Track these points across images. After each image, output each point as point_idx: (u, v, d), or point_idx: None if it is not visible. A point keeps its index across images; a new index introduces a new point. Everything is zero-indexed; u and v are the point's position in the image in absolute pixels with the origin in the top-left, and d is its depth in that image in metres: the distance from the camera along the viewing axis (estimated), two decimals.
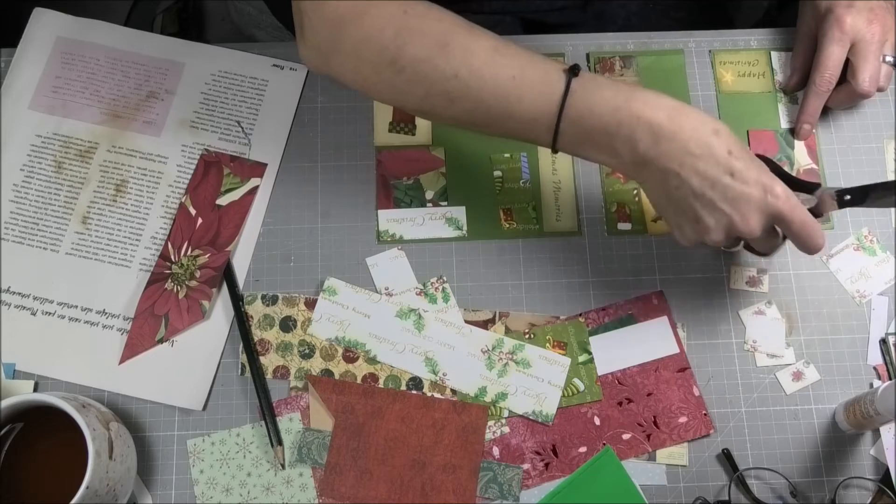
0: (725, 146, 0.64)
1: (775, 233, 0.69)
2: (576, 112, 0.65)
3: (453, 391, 0.75)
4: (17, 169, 0.81)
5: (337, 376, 0.75)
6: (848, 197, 0.69)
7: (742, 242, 0.72)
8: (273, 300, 0.77)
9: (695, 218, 0.66)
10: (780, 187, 0.65)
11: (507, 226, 0.80)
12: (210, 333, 0.76)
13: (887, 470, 0.72)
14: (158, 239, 0.79)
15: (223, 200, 0.80)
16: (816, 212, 0.70)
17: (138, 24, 1.04)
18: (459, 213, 0.80)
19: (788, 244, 0.69)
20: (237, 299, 0.76)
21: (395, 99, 0.70)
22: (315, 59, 0.71)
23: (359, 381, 0.75)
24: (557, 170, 0.82)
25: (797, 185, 0.71)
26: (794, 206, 0.65)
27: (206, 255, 0.78)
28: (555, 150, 0.68)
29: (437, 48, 0.66)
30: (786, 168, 0.82)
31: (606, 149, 0.66)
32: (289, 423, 0.74)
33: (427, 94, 0.67)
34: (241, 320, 0.76)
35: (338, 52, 0.68)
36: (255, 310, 0.77)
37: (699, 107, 0.84)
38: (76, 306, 0.77)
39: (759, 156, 0.69)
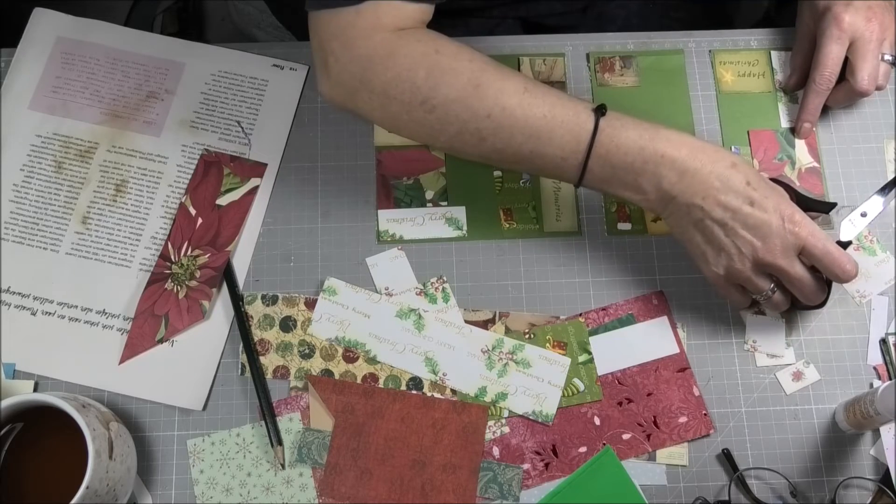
0: (744, 178, 0.68)
1: (820, 279, 0.71)
2: (605, 150, 0.68)
3: (453, 391, 0.75)
4: (17, 169, 0.81)
5: (337, 376, 0.75)
6: (863, 214, 0.73)
7: (787, 298, 0.73)
8: (273, 300, 0.77)
9: (719, 246, 0.69)
10: (799, 215, 0.68)
11: (507, 226, 0.80)
12: (210, 333, 0.76)
13: (887, 470, 0.72)
14: (158, 239, 0.79)
15: (223, 200, 0.80)
16: (842, 243, 0.72)
17: (138, 24, 1.04)
18: (459, 213, 0.80)
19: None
20: (237, 299, 0.76)
21: (424, 137, 0.72)
22: (340, 96, 0.71)
23: (359, 381, 0.75)
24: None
25: (814, 206, 0.74)
26: (813, 232, 0.68)
27: (206, 255, 0.78)
28: (578, 186, 0.71)
29: (470, 88, 0.67)
30: (787, 169, 0.82)
31: (632, 186, 0.69)
32: (289, 423, 0.74)
33: (458, 133, 0.69)
34: (241, 320, 0.76)
35: (367, 90, 0.69)
36: (255, 310, 0.77)
37: (699, 107, 0.84)
38: (76, 306, 0.77)
39: (776, 180, 0.72)
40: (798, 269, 0.69)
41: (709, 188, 0.67)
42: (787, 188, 0.73)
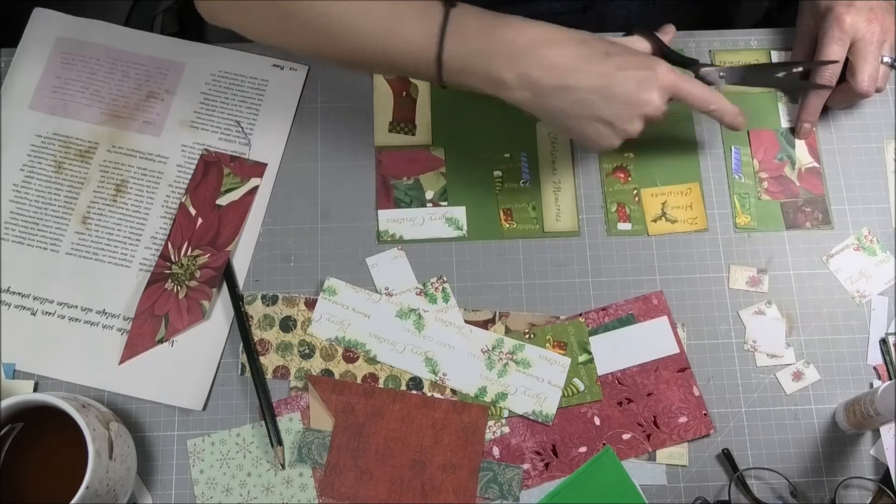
0: (601, 49, 0.67)
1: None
2: (455, 38, 0.66)
3: (453, 391, 0.75)
4: (17, 169, 0.81)
5: (337, 376, 0.75)
6: (722, 74, 0.76)
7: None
8: (273, 300, 0.77)
9: (611, 120, 0.68)
10: (663, 65, 0.69)
11: (507, 226, 0.80)
12: (210, 333, 0.76)
13: (887, 470, 0.72)
14: (158, 239, 0.79)
15: (223, 200, 0.80)
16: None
17: (138, 24, 1.03)
18: (459, 213, 0.80)
19: None
20: (237, 299, 0.76)
21: (283, 42, 0.72)
22: (206, 11, 0.73)
23: (359, 381, 0.75)
24: (557, 170, 0.82)
25: (677, 61, 0.75)
26: (678, 76, 0.70)
27: (206, 255, 0.78)
28: (442, 84, 0.69)
29: None
30: (787, 169, 0.82)
31: (492, 77, 0.67)
32: (289, 423, 0.74)
33: (312, 36, 0.69)
34: (241, 320, 0.76)
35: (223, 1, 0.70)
36: (255, 310, 0.77)
37: None
38: (76, 306, 0.77)
39: (638, 33, 0.75)
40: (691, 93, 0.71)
41: (572, 67, 0.66)
42: (648, 35, 0.75)
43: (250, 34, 0.72)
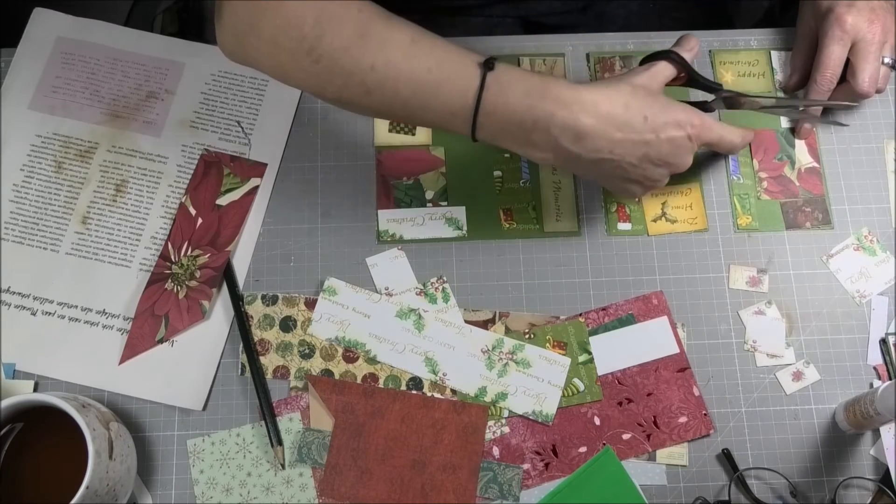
0: (640, 115, 0.67)
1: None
2: (492, 107, 0.66)
3: (453, 391, 0.75)
4: (17, 169, 0.81)
5: (337, 376, 0.75)
6: (744, 101, 0.77)
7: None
8: (273, 300, 0.77)
9: (640, 180, 0.70)
10: (696, 118, 0.69)
11: (507, 226, 0.80)
12: (210, 333, 0.76)
13: (887, 470, 0.72)
14: (158, 239, 0.79)
15: (223, 200, 0.80)
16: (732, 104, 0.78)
17: (138, 24, 1.04)
18: (459, 213, 0.80)
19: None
20: (237, 299, 0.76)
21: (313, 88, 0.69)
22: (231, 45, 0.70)
23: (359, 381, 0.75)
24: (557, 170, 0.82)
25: (702, 84, 0.76)
26: (709, 127, 0.70)
27: (206, 255, 0.78)
28: (476, 140, 0.69)
29: (355, 38, 0.65)
30: (787, 169, 0.82)
31: (526, 142, 0.67)
32: (289, 423, 0.74)
33: (344, 85, 0.67)
34: (241, 320, 0.76)
35: (255, 37, 0.67)
36: (255, 310, 0.77)
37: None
38: (76, 306, 0.77)
39: (662, 54, 0.72)
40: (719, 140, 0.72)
41: (610, 142, 0.66)
42: (675, 62, 0.72)
43: (280, 77, 0.70)
